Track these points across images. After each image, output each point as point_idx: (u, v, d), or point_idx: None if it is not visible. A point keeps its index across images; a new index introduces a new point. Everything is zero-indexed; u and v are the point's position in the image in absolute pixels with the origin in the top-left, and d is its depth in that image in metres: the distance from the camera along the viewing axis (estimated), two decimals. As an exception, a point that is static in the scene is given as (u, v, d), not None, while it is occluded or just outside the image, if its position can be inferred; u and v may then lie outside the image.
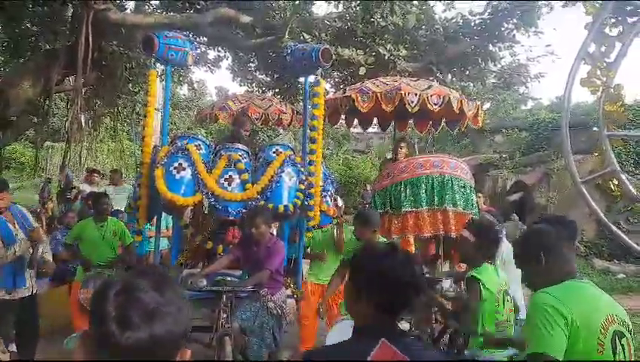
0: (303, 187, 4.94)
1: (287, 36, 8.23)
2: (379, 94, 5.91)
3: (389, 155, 7.17)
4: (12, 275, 4.54)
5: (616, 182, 4.08)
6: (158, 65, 5.45)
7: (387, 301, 1.68)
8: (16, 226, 4.54)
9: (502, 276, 3.48)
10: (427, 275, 5.78)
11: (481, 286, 3.27)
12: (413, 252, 6.54)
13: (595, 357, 2.06)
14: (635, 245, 8.32)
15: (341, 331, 4.33)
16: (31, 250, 4.52)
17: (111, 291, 1.12)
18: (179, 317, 1.14)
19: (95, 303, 1.14)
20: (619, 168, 2.33)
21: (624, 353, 2.13)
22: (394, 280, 1.67)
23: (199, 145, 4.94)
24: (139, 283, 1.14)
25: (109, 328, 1.07)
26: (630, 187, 6.68)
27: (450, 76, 10.36)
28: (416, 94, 5.85)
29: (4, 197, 4.49)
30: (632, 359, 2.17)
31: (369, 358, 1.59)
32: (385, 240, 4.75)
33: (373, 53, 8.86)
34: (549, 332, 2.03)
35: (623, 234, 4.22)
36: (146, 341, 1.08)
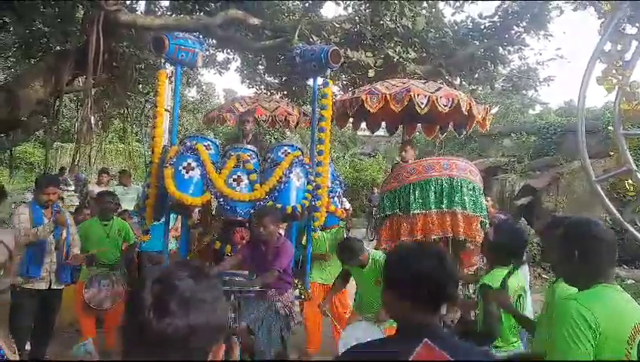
0: (311, 188, 4.94)
1: (296, 38, 8.23)
2: (388, 95, 5.90)
3: (398, 158, 7.15)
4: (26, 263, 4.69)
5: (632, 182, 4.05)
6: (167, 66, 5.47)
7: (423, 299, 1.69)
8: (51, 218, 4.86)
9: (519, 277, 3.44)
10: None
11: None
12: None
13: None
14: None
15: (354, 332, 4.35)
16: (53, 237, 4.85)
17: (148, 280, 1.13)
18: (216, 308, 1.14)
19: (132, 292, 1.14)
20: (635, 167, 2.30)
21: None
22: (427, 278, 1.69)
23: (208, 145, 4.96)
24: (176, 272, 1.14)
25: (147, 316, 1.07)
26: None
27: (459, 79, 10.33)
28: (425, 96, 5.84)
29: (55, 191, 5.02)
30: None
31: (411, 358, 1.60)
32: (381, 253, 4.84)
33: (382, 56, 8.85)
34: (577, 345, 1.99)
35: (639, 234, 4.20)
36: (183, 329, 1.07)
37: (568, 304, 2.09)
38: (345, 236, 5.98)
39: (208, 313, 1.11)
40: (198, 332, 1.09)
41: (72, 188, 9.32)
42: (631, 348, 2.03)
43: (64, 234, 4.89)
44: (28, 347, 4.90)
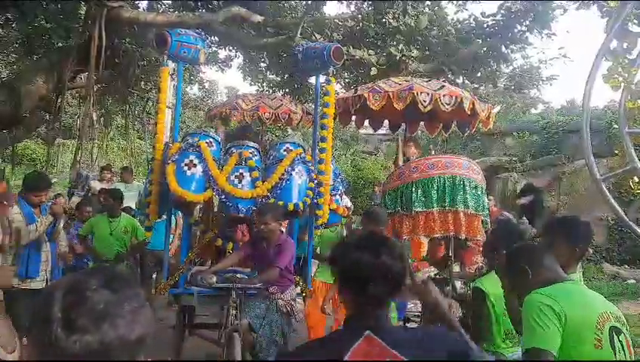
0: (312, 185, 4.94)
1: (298, 36, 8.22)
2: (391, 93, 5.88)
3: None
4: (25, 262, 4.64)
5: (637, 180, 4.03)
6: (170, 63, 5.47)
7: (363, 290, 1.64)
8: (40, 215, 4.79)
9: None
10: (437, 276, 5.76)
11: (487, 297, 3.26)
12: (424, 252, 6.53)
13: (595, 352, 2.10)
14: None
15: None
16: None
17: (58, 291, 1.01)
18: (134, 320, 1.02)
19: (40, 303, 1.02)
20: (640, 166, 2.33)
21: (623, 349, 2.17)
22: (367, 269, 1.63)
23: (210, 141, 4.95)
24: (89, 282, 1.03)
25: (54, 331, 0.96)
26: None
27: (461, 78, 10.31)
28: (428, 94, 5.82)
29: (47, 193, 5.00)
30: (632, 354, 2.22)
31: (350, 351, 1.55)
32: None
33: (385, 54, 8.84)
34: (542, 328, 2.07)
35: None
36: (95, 345, 0.96)
37: (532, 298, 2.19)
38: (347, 233, 5.96)
39: (124, 327, 1.00)
40: (113, 349, 0.98)
41: (65, 196, 9.29)
42: (601, 333, 2.12)
43: (61, 224, 4.86)
44: (25, 341, 4.89)
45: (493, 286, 3.19)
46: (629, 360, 2.17)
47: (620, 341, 2.16)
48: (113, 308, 1.00)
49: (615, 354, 2.12)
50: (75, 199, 8.65)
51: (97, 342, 0.97)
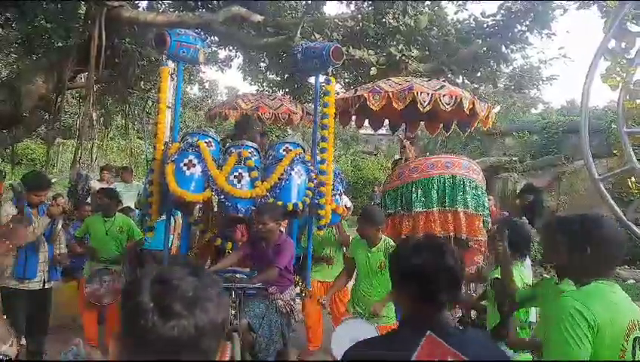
0: (312, 185, 4.93)
1: (298, 36, 8.21)
2: (391, 93, 5.88)
3: (398, 156, 7.15)
4: (23, 263, 4.63)
5: (635, 180, 4.03)
6: (169, 62, 5.46)
7: (425, 291, 1.68)
8: (37, 216, 4.76)
9: (526, 274, 3.43)
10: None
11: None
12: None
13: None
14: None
15: (347, 329, 4.33)
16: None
17: (145, 281, 1.07)
18: (220, 304, 1.09)
19: (129, 296, 1.07)
20: (639, 166, 2.27)
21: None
22: (423, 272, 1.68)
23: (210, 141, 4.94)
24: (175, 272, 1.09)
25: (150, 320, 1.01)
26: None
27: (461, 77, 10.30)
28: (428, 94, 5.82)
29: (46, 193, 4.97)
30: None
31: (416, 352, 1.58)
32: (389, 240, 4.75)
33: (385, 54, 8.83)
34: (576, 342, 1.98)
35: (641, 232, 4.19)
36: (190, 330, 1.02)
37: (565, 301, 2.08)
38: (337, 231, 5.95)
39: (213, 310, 1.06)
40: (206, 332, 1.04)
41: (64, 197, 9.27)
42: (626, 343, 2.04)
43: (59, 226, 4.83)
44: (23, 341, 4.88)
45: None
46: None
47: (639, 352, 2.07)
48: (202, 293, 1.06)
49: None
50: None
51: (193, 326, 1.02)
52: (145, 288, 1.05)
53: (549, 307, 2.41)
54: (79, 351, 3.10)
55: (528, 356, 3.33)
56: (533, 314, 3.91)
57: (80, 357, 3.10)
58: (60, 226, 4.84)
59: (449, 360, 1.58)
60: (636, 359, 2.05)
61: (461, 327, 1.84)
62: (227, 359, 1.13)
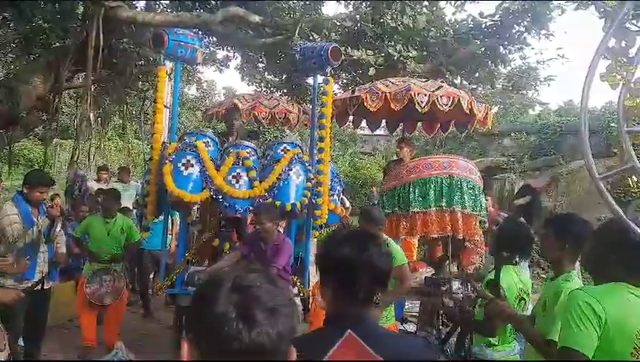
0: (310, 185, 4.93)
1: (296, 36, 8.20)
2: (388, 94, 5.88)
3: (395, 157, 7.15)
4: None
5: (635, 179, 4.01)
6: (167, 63, 5.45)
7: (347, 287, 1.60)
8: (38, 216, 4.76)
9: (523, 280, 3.42)
10: (434, 276, 5.76)
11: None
12: (414, 253, 6.50)
13: (630, 360, 2.02)
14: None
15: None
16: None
17: (222, 289, 1.07)
18: (294, 310, 1.11)
19: (205, 304, 1.06)
20: (639, 165, 2.28)
21: None
22: (343, 266, 1.60)
23: (208, 142, 4.95)
24: (250, 279, 1.10)
25: (234, 328, 1.01)
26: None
27: (459, 78, 10.29)
28: (426, 95, 5.82)
29: (47, 190, 4.95)
30: None
31: (333, 350, 1.53)
32: (390, 240, 4.73)
33: (383, 54, 8.82)
34: (579, 328, 2.01)
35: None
36: (274, 337, 1.03)
37: (575, 294, 2.11)
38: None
39: (291, 317, 1.08)
40: (285, 337, 1.06)
41: (61, 197, 9.26)
42: None
43: (58, 227, 4.81)
44: (21, 342, 4.88)
45: (507, 280, 3.18)
46: None
47: None
48: (280, 300, 1.08)
49: None
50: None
51: (276, 334, 1.04)
52: (224, 296, 1.05)
53: (554, 302, 2.48)
54: (121, 354, 3.09)
55: (516, 357, 3.33)
56: (529, 309, 3.91)
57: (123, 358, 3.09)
58: (59, 228, 4.83)
59: (365, 360, 1.52)
60: None
61: (403, 325, 1.79)
62: (294, 359, 1.14)
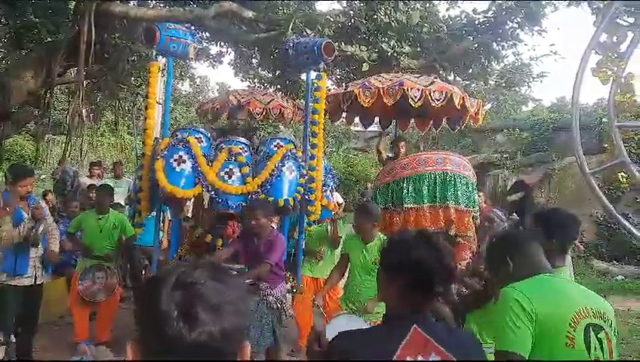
0: (303, 181, 4.92)
1: (290, 31, 8.17)
2: (381, 89, 5.88)
3: (389, 154, 7.14)
4: (14, 259, 4.56)
5: (626, 174, 4.04)
6: (160, 58, 5.42)
7: (413, 286, 1.69)
8: (29, 211, 4.69)
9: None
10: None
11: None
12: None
13: (564, 350, 2.04)
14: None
15: (338, 326, 4.31)
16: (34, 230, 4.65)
17: (165, 286, 1.03)
18: (244, 307, 1.08)
19: (148, 302, 1.03)
20: (629, 160, 2.28)
21: (602, 347, 2.09)
22: (417, 265, 1.68)
23: (200, 137, 4.92)
24: (194, 275, 1.05)
25: (176, 327, 0.98)
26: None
27: (452, 74, 10.30)
28: (418, 89, 5.83)
29: (31, 183, 4.79)
30: (613, 353, 2.12)
31: (402, 344, 1.59)
32: (384, 236, 4.72)
33: (376, 50, 8.81)
34: (511, 329, 2.04)
35: (632, 227, 4.17)
36: (217, 335, 1.00)
37: (508, 291, 2.14)
38: (331, 229, 5.93)
39: (238, 315, 1.04)
40: (231, 336, 1.02)
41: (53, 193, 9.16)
42: (574, 331, 2.05)
43: (40, 229, 4.66)
44: (13, 338, 4.84)
45: None
46: (604, 359, 2.08)
47: (598, 339, 2.08)
48: (226, 298, 1.04)
49: (589, 353, 2.05)
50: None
51: (219, 332, 1.00)
52: (166, 294, 1.01)
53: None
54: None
55: None
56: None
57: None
58: (41, 229, 4.67)
59: (433, 356, 1.60)
60: (593, 346, 2.07)
61: (451, 327, 1.87)
62: (247, 359, 1.10)
